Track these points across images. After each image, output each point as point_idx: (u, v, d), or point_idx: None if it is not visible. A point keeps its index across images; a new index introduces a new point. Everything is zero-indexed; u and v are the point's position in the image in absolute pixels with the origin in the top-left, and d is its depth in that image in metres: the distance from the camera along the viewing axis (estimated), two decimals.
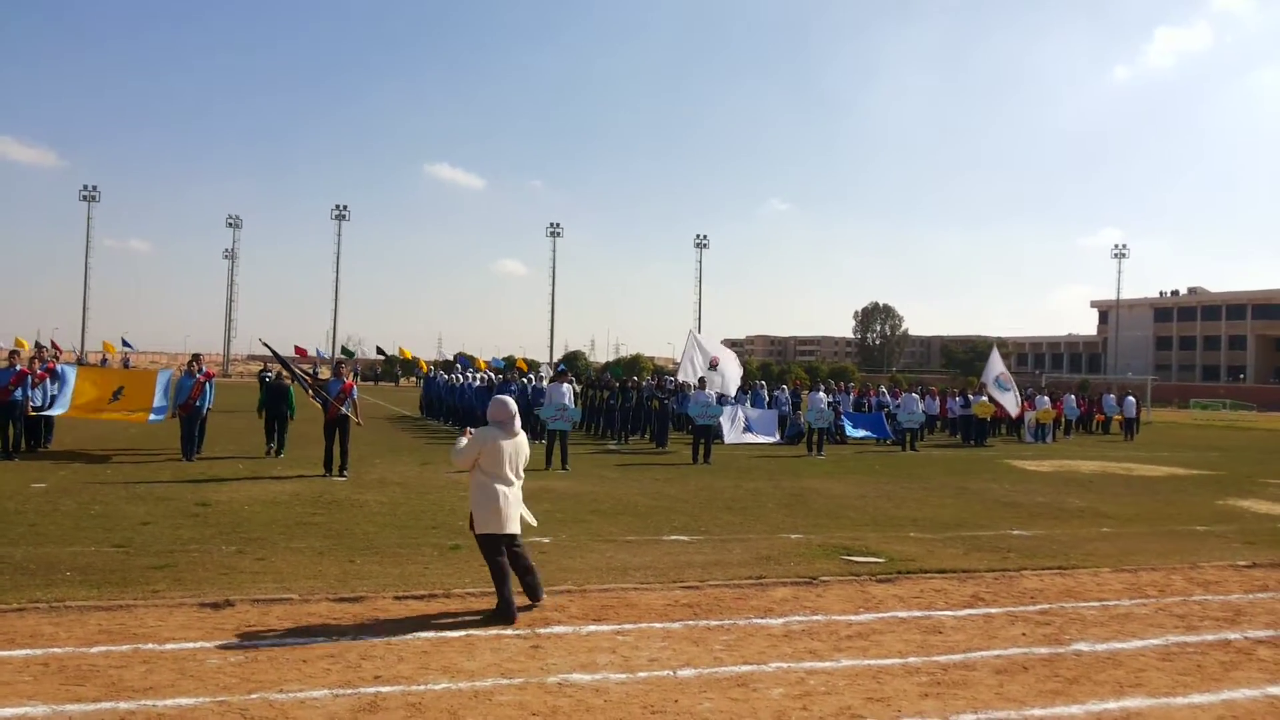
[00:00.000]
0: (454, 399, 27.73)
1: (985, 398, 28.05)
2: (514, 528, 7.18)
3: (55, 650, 5.88)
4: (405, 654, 6.03)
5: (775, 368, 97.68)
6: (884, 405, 28.47)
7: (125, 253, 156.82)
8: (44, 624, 6.45)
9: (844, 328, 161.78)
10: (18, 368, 16.29)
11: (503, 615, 6.85)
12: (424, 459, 18.18)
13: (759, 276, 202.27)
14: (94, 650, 5.90)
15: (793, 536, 10.87)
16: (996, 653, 6.48)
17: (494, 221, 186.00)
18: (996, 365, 28.77)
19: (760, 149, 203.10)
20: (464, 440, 7.24)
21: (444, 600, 7.42)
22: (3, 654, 5.78)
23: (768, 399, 28.34)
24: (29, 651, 5.85)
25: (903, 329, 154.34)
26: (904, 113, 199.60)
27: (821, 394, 23.63)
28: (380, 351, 47.07)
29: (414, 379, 68.87)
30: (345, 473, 14.90)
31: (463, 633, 6.54)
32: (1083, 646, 6.69)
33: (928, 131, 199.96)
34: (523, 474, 7.48)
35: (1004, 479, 18.17)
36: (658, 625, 6.89)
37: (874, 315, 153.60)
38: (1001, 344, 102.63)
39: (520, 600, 7.10)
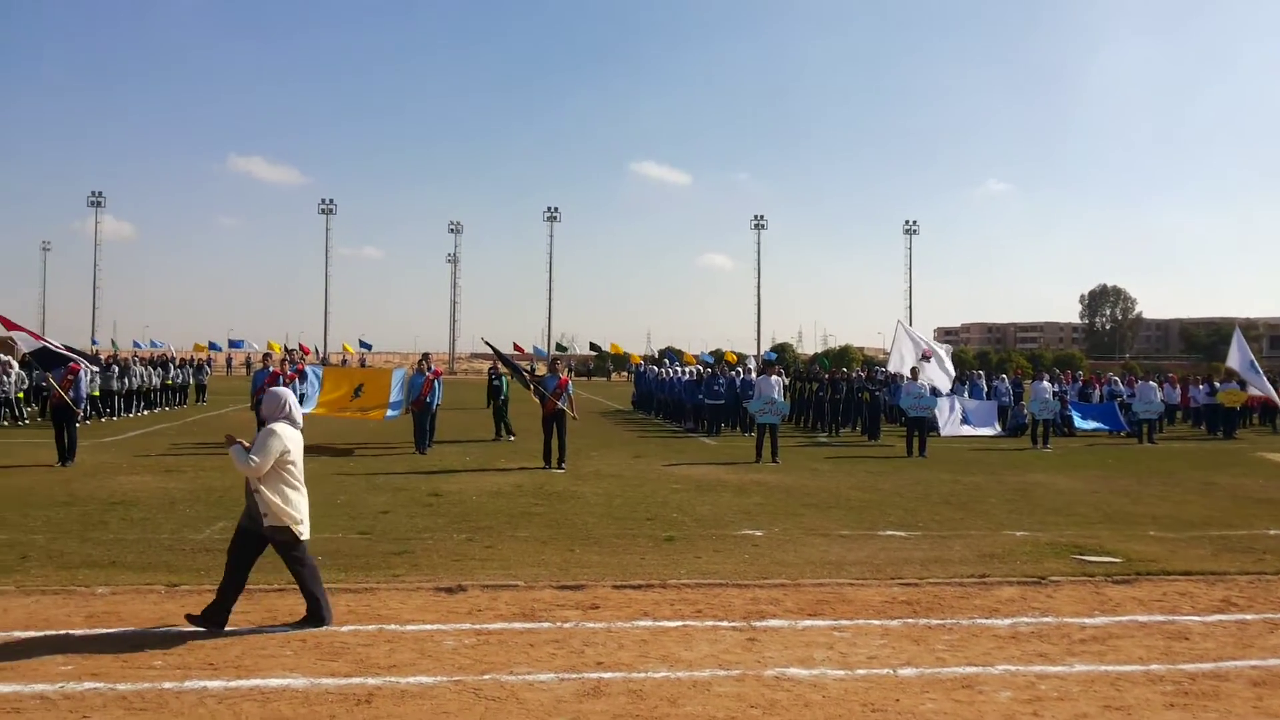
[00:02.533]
0: (664, 392, 28.16)
1: (1235, 385, 25.75)
2: (306, 530, 6.64)
3: (310, 628, 6.41)
4: (625, 642, 6.20)
5: (994, 356, 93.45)
6: (1116, 395, 26.67)
7: (360, 260, 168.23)
8: (300, 605, 7.02)
9: (1069, 313, 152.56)
10: (271, 369, 17.85)
11: (321, 616, 6.47)
12: (637, 452, 18.58)
13: (974, 261, 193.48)
14: (343, 629, 6.40)
15: (1018, 534, 10.39)
16: (1253, 663, 5.96)
17: (699, 216, 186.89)
18: (1244, 349, 26.34)
19: (974, 128, 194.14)
20: (238, 447, 6.49)
21: (660, 590, 7.57)
22: (267, 630, 6.37)
23: (986, 389, 27.15)
24: (288, 629, 6.41)
25: (1136, 312, 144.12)
26: (1131, 80, 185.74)
27: (1046, 383, 22.43)
28: (593, 347, 48.51)
29: (625, 373, 70.46)
30: (563, 465, 15.44)
31: (680, 623, 6.65)
32: None
33: (1158, 99, 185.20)
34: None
35: (1257, 473, 16.63)
36: (875, 622, 6.76)
37: (1103, 298, 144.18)
38: (1250, 326, 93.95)
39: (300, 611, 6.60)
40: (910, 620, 6.83)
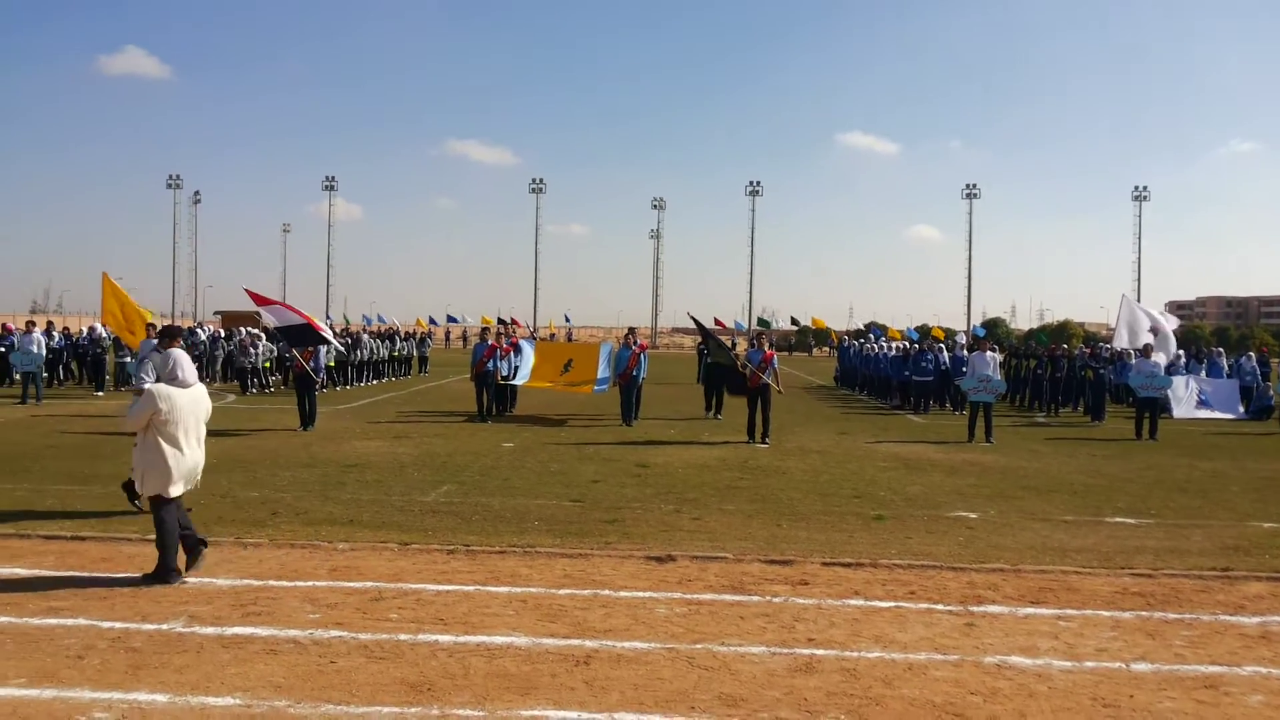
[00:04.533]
0: (869, 369, 27.55)
1: None
2: (174, 490, 6.72)
3: (530, 590, 6.71)
4: (836, 620, 6.13)
5: (1234, 332, 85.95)
6: None
7: (567, 237, 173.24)
8: (520, 566, 7.38)
9: None
10: (489, 342, 18.70)
11: (161, 577, 6.65)
12: (841, 429, 18.28)
13: (1212, 229, 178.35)
14: (561, 592, 6.65)
15: (1265, 525, 9.55)
16: None
17: (907, 186, 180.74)
18: None
19: (1215, 83, 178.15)
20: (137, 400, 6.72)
21: (871, 570, 7.44)
22: (490, 589, 6.71)
23: (1226, 369, 25.01)
24: (509, 589, 6.73)
25: None
26: None
27: None
28: (794, 322, 48.05)
29: (827, 349, 69.44)
30: (767, 440, 15.41)
31: (892, 604, 6.52)
32: None
33: None
34: (204, 428, 7.02)
35: None
36: (1105, 613, 6.39)
37: None
38: None
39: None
40: (1144, 613, 6.41)
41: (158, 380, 6.82)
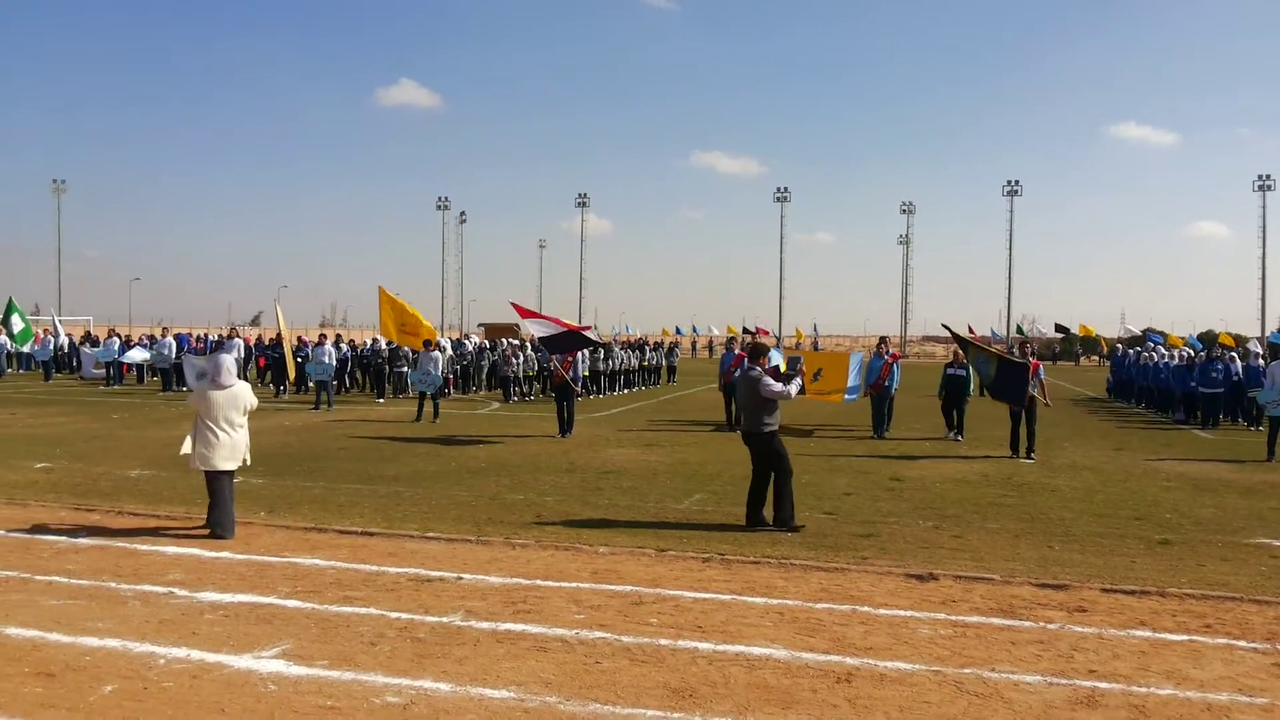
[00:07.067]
0: (1147, 379, 25.43)
1: None
2: (218, 466, 8.50)
3: (787, 602, 6.65)
4: (1120, 651, 5.68)
5: None
6: None
7: (812, 245, 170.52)
8: (775, 578, 7.33)
9: None
10: (736, 351, 18.80)
11: (219, 529, 8.50)
12: (1117, 444, 16.96)
13: None
14: (818, 606, 6.55)
15: None
16: None
17: (1189, 180, 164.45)
18: None
19: None
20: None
21: (1158, 599, 6.84)
22: (746, 599, 6.71)
23: None
24: (766, 600, 6.71)
25: None
26: None
27: None
28: (1059, 329, 45.22)
29: (1095, 358, 64.81)
30: (1033, 455, 14.55)
31: (1185, 637, 5.95)
32: None
33: None
34: (240, 419, 8.73)
35: None
36: None
37: None
38: None
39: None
40: None
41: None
